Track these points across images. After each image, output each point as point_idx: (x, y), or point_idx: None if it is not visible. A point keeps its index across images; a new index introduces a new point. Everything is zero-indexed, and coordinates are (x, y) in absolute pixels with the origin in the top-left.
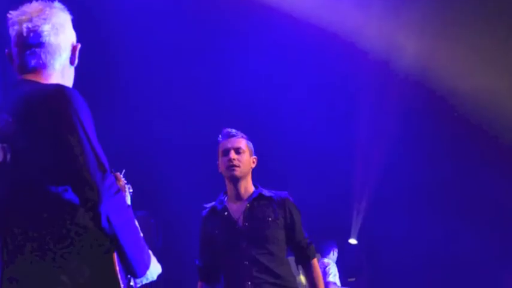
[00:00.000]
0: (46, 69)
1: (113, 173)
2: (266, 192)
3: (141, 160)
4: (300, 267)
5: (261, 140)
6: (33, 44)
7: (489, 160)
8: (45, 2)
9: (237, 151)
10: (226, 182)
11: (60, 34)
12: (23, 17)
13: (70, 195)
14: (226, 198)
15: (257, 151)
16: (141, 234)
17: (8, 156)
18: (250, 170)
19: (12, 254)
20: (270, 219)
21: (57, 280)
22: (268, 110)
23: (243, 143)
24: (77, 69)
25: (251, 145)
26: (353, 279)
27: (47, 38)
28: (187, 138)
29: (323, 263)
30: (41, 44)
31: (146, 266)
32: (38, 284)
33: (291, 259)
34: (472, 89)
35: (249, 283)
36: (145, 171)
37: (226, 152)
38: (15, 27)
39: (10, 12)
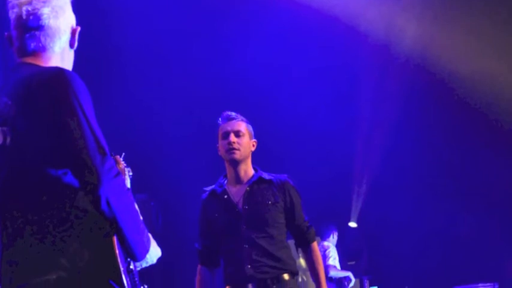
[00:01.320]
0: (46, 52)
1: (112, 156)
2: (266, 176)
3: (140, 143)
4: (299, 250)
5: (261, 123)
6: (32, 27)
7: (489, 143)
8: None
9: (237, 134)
10: (226, 165)
11: (60, 17)
12: (23, 0)
13: (70, 179)
14: (226, 182)
15: (257, 134)
16: (141, 218)
17: (8, 140)
18: (250, 153)
19: (11, 237)
20: (269, 202)
21: (56, 263)
22: (268, 93)
23: (242, 126)
24: (76, 52)
25: (251, 128)
26: (353, 262)
27: (47, 21)
28: (187, 122)
29: (323, 246)
30: (40, 27)
31: (146, 250)
32: (37, 267)
33: (291, 242)
34: (472, 72)
35: (249, 266)
36: (145, 155)
37: (226, 135)
38: (15, 10)
39: None
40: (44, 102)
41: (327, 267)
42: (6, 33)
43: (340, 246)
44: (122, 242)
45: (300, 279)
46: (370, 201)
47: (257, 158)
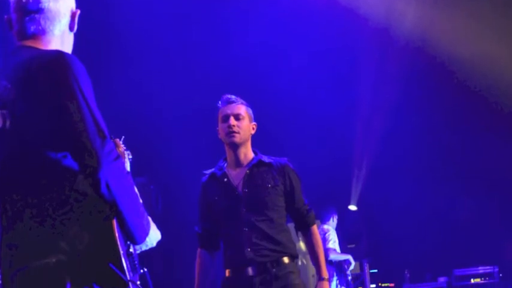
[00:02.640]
0: (45, 36)
1: (112, 139)
2: (266, 159)
3: (140, 127)
4: (299, 233)
5: (260, 107)
6: (32, 10)
7: (489, 126)
8: None
9: (237, 117)
10: (226, 148)
11: (60, 0)
12: None
13: (69, 162)
14: (225, 165)
15: (257, 117)
16: (141, 201)
17: (8, 123)
18: (250, 136)
19: (11, 220)
20: (269, 185)
21: (56, 246)
22: (268, 76)
23: (242, 109)
24: (76, 35)
25: (251, 111)
26: (353, 245)
27: (46, 4)
28: (187, 105)
29: (323, 230)
30: (40, 10)
31: (146, 233)
32: (37, 250)
33: (291, 226)
34: (472, 55)
35: (249, 249)
36: (144, 138)
37: (226, 118)
38: None
39: None
40: (43, 86)
41: (326, 251)
42: (6, 16)
43: (340, 229)
44: (122, 225)
45: (299, 263)
46: (370, 185)
47: (257, 141)
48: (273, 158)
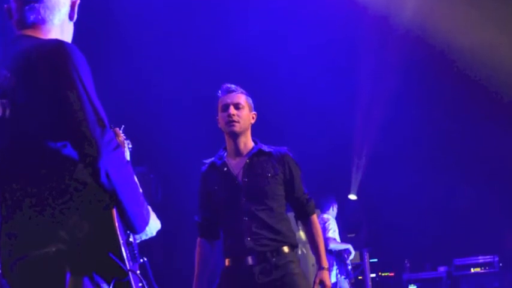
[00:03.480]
0: (45, 25)
1: (112, 128)
2: (266, 148)
3: (140, 116)
4: (299, 223)
5: (260, 96)
6: None
7: (488, 115)
8: None
9: (237, 106)
10: (226, 137)
11: None
12: None
13: (69, 151)
14: (225, 154)
15: (256, 107)
16: (141, 190)
17: (7, 112)
18: (250, 125)
19: (11, 209)
20: (269, 174)
21: (56, 235)
22: (268, 65)
23: (242, 98)
24: (75, 25)
25: (250, 101)
26: (353, 234)
27: None
28: (187, 94)
29: (322, 219)
30: None
31: (145, 222)
32: (36, 240)
33: (291, 215)
34: (471, 44)
35: (249, 239)
36: (144, 127)
37: (226, 108)
38: None
39: None
40: (43, 75)
41: (326, 240)
42: (5, 6)
43: (340, 218)
44: (122, 214)
45: (299, 252)
46: (370, 174)
47: (257, 130)
48: (272, 147)
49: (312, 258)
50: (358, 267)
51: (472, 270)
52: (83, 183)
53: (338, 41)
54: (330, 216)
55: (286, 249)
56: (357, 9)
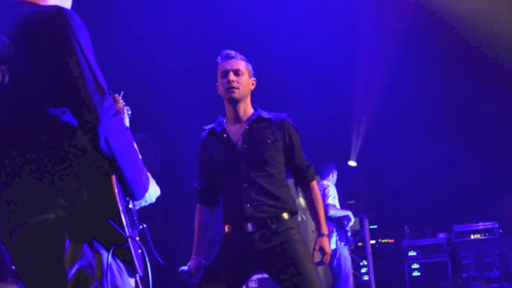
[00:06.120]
0: None
1: (111, 94)
2: (265, 114)
3: (139, 82)
4: (299, 189)
5: (260, 62)
6: None
7: (489, 81)
8: None
9: (236, 73)
10: (225, 104)
11: None
12: None
13: (68, 117)
14: (225, 120)
15: (256, 73)
16: (140, 157)
17: (6, 78)
18: (249, 92)
19: (10, 176)
20: (269, 141)
21: (55, 202)
22: (267, 31)
23: (242, 64)
24: None
25: (250, 67)
26: (352, 201)
27: None
28: (186, 60)
29: (322, 185)
30: None
31: (145, 189)
32: (35, 206)
33: (291, 181)
34: (471, 11)
35: (248, 205)
36: (144, 93)
37: (225, 74)
38: None
39: None
40: (42, 41)
41: (326, 206)
42: None
43: (339, 185)
44: (121, 181)
45: (299, 218)
46: (369, 140)
47: (256, 97)
48: (272, 113)
49: (311, 225)
50: (358, 234)
51: (472, 236)
52: (82, 149)
53: (338, 7)
54: (330, 183)
55: (285, 215)
56: None
